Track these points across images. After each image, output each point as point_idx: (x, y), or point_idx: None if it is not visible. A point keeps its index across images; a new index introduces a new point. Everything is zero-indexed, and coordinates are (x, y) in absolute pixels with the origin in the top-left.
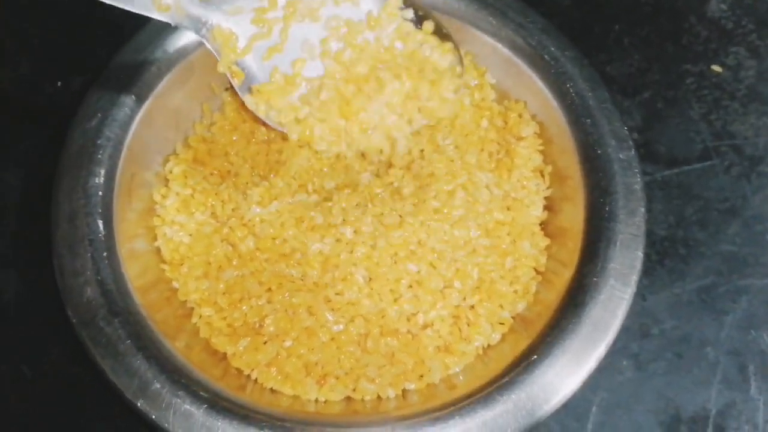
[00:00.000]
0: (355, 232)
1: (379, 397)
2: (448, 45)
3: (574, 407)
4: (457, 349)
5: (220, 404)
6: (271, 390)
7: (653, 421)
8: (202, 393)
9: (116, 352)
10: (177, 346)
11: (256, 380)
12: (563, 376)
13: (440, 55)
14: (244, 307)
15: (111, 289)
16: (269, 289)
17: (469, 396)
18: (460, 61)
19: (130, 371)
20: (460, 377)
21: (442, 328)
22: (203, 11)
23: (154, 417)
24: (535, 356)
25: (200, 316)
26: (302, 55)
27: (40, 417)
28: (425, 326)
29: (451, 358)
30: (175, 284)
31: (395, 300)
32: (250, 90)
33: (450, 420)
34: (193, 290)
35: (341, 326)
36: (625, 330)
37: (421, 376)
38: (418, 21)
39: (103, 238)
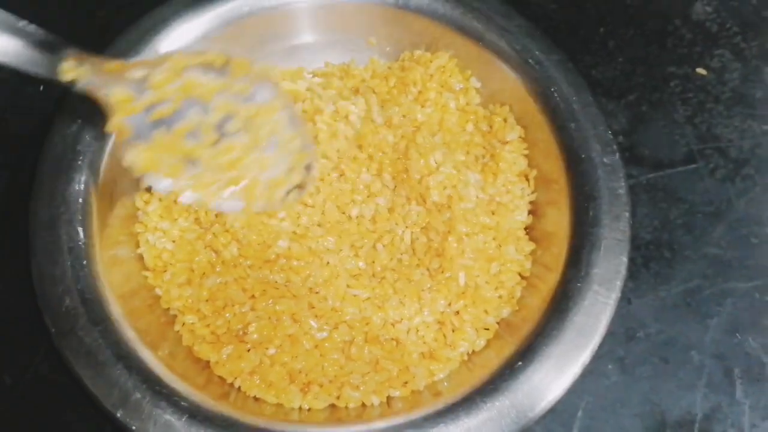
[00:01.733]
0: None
1: (363, 404)
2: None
3: (559, 412)
4: (441, 356)
5: (201, 414)
6: (255, 398)
7: (639, 425)
8: (183, 403)
9: (96, 362)
10: (159, 355)
11: (239, 389)
12: (548, 382)
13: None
14: (227, 314)
15: (90, 297)
16: (253, 296)
17: (453, 403)
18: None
19: (110, 381)
20: (445, 383)
21: (426, 335)
22: (105, 79)
23: (134, 428)
24: (520, 363)
25: (183, 324)
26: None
27: (21, 426)
28: (409, 332)
29: (436, 365)
30: (158, 291)
31: (379, 306)
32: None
33: (434, 428)
34: (176, 297)
35: (325, 333)
36: (610, 334)
37: (406, 382)
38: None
39: (83, 246)
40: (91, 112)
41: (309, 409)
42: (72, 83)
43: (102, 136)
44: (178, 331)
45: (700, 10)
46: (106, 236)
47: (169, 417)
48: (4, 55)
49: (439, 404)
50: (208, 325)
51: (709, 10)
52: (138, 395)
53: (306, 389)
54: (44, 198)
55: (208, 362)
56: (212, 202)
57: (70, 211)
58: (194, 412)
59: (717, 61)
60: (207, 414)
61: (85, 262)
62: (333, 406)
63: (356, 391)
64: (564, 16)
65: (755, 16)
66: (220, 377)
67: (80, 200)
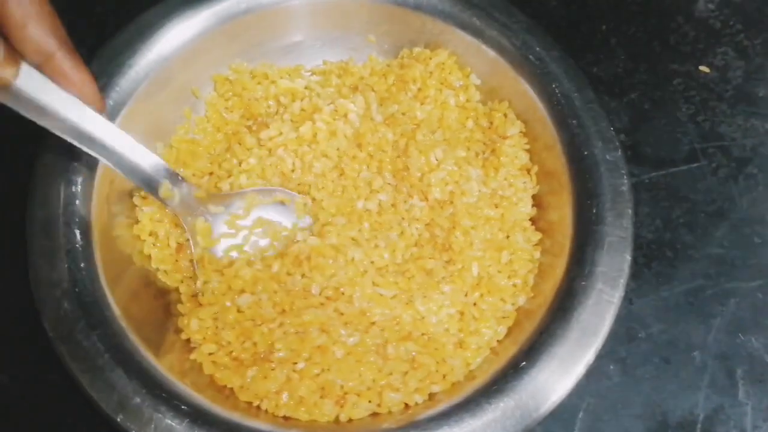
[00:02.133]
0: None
1: (406, 405)
2: None
3: (560, 413)
4: (470, 344)
5: (202, 418)
6: (285, 418)
7: (640, 426)
8: (183, 407)
9: (94, 366)
10: (160, 359)
11: (266, 411)
12: (552, 383)
13: None
14: (255, 337)
15: (89, 301)
16: (283, 311)
17: (457, 405)
18: None
19: (110, 386)
20: (481, 369)
21: (451, 326)
22: (194, 205)
23: None
24: (524, 363)
25: (205, 354)
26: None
27: (19, 427)
28: (437, 325)
29: (470, 352)
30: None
31: (407, 303)
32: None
33: (437, 430)
34: (196, 330)
35: (356, 338)
36: (612, 334)
37: (445, 375)
38: None
39: (80, 249)
40: None
41: (350, 420)
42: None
43: None
44: (182, 338)
45: (703, 8)
46: (105, 237)
47: (169, 421)
48: (127, 173)
49: (441, 407)
50: (230, 353)
51: (712, 7)
52: (138, 399)
53: (342, 401)
54: (41, 200)
55: (231, 390)
56: None
57: (67, 213)
58: (195, 416)
59: (720, 58)
60: (208, 418)
61: (83, 265)
62: (375, 413)
63: (397, 392)
64: (565, 13)
65: (759, 14)
66: (246, 402)
67: (77, 202)
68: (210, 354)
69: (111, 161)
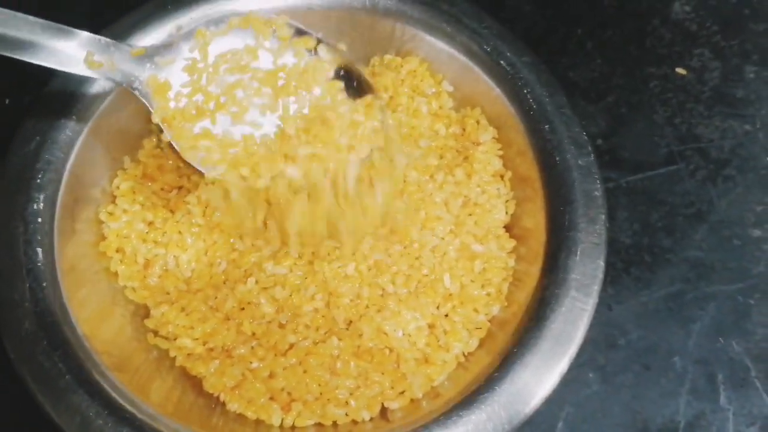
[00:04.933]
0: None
1: (354, 421)
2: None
3: (539, 423)
4: (437, 359)
5: None
6: (238, 415)
7: None
8: (147, 428)
9: (56, 388)
10: (122, 378)
11: (224, 404)
12: (526, 393)
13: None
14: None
15: (50, 321)
16: (253, 334)
17: (428, 418)
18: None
19: (71, 407)
20: (445, 384)
21: (419, 340)
22: (136, 66)
23: None
24: (496, 373)
25: (178, 348)
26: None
27: None
28: (403, 340)
29: (433, 369)
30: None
31: (371, 316)
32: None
33: None
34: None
35: (308, 342)
36: (590, 341)
37: (403, 392)
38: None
39: (42, 267)
40: (48, 128)
41: (293, 428)
42: (102, 76)
43: (63, 152)
44: (155, 346)
45: (679, 10)
46: (69, 255)
47: None
48: (30, 56)
49: (416, 419)
50: (205, 343)
51: (688, 9)
52: (100, 422)
53: (288, 408)
54: (2, 219)
55: (191, 382)
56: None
57: (29, 231)
58: None
59: (697, 60)
60: None
61: (45, 284)
62: (319, 424)
63: (342, 408)
64: (540, 17)
65: (735, 15)
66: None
67: (39, 220)
68: (182, 348)
69: (18, 53)
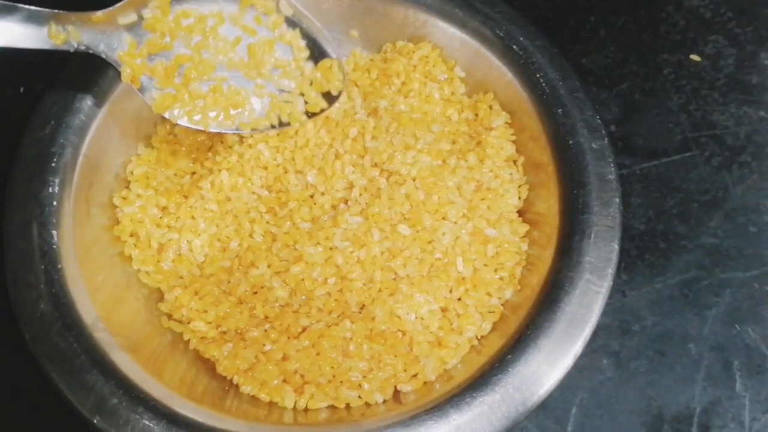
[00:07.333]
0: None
1: (367, 403)
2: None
3: (553, 408)
4: (449, 343)
5: (180, 420)
6: (251, 398)
7: (635, 421)
8: (161, 408)
9: (71, 368)
10: (137, 359)
11: (237, 386)
12: (539, 376)
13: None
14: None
15: (65, 302)
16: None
17: (442, 399)
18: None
19: (86, 387)
20: (458, 367)
21: (432, 323)
22: (100, 31)
23: None
24: (510, 356)
25: (192, 331)
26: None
27: None
28: (416, 323)
29: (446, 351)
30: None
31: (384, 299)
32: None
33: (421, 426)
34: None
35: (321, 325)
36: (605, 328)
37: (416, 375)
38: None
39: (56, 249)
40: (64, 112)
41: (306, 410)
42: (69, 47)
43: (78, 137)
44: (169, 329)
45: None
46: (85, 239)
47: (147, 422)
48: None
49: (430, 401)
50: (218, 327)
51: None
52: (114, 401)
53: (301, 390)
54: (17, 202)
55: (204, 365)
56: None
57: (44, 214)
58: (172, 417)
59: (711, 47)
60: (185, 419)
61: (60, 266)
62: (332, 406)
63: (354, 390)
64: (553, 4)
65: (749, 1)
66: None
67: (54, 203)
68: (195, 331)
69: None
